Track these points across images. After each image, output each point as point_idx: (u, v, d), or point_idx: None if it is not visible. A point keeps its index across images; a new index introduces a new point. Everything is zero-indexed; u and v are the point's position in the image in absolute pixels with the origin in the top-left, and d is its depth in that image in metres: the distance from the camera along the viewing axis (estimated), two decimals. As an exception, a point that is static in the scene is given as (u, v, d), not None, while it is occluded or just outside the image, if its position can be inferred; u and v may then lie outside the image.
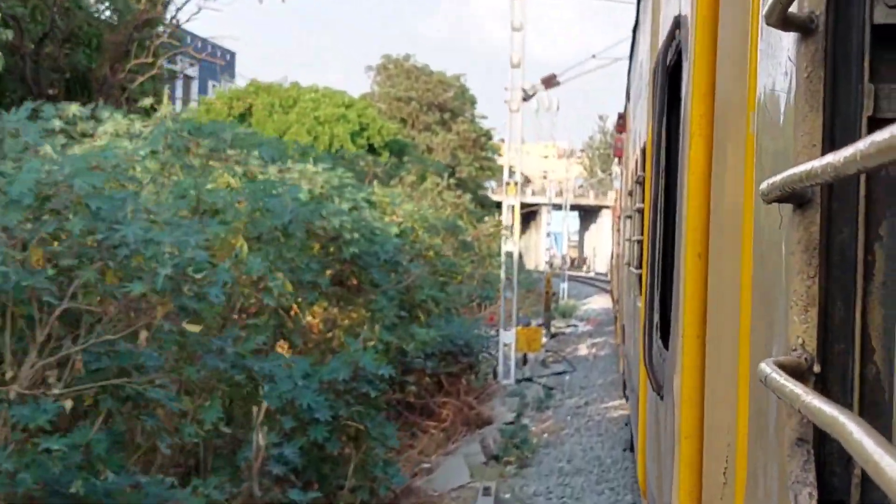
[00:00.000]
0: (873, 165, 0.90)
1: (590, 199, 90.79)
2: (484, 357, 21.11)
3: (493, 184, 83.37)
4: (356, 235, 11.81)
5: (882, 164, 0.88)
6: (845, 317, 1.40)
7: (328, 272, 11.95)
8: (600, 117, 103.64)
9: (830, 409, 1.01)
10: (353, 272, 12.61)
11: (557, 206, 67.35)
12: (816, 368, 1.38)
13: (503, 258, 22.41)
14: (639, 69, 8.38)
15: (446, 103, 65.57)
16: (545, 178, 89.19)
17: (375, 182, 18.17)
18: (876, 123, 1.37)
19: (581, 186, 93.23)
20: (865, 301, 1.40)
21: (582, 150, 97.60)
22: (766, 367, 1.33)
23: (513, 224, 22.61)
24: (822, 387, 1.38)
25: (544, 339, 27.68)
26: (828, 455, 1.40)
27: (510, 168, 22.30)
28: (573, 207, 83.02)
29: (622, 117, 20.32)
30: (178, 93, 77.48)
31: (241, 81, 53.81)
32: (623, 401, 15.88)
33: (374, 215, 13.80)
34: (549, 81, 22.73)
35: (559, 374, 23.02)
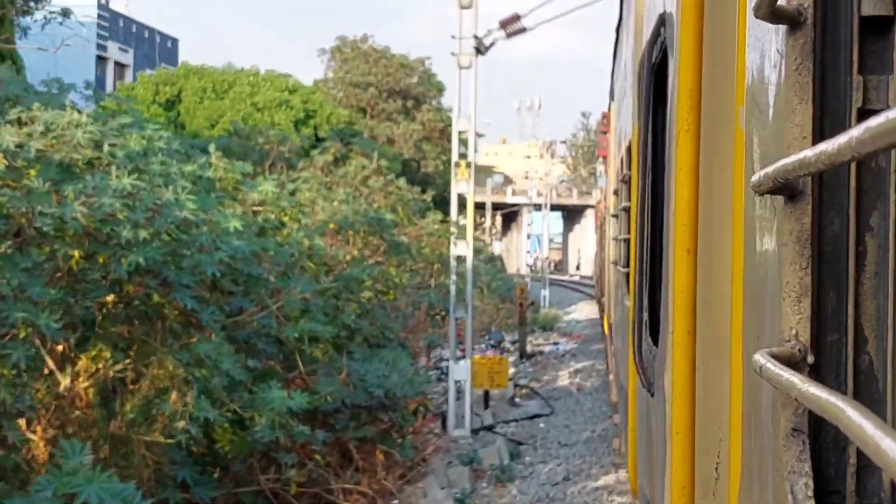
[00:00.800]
0: (867, 152, 0.91)
1: (573, 199, 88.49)
2: (416, 412, 14.97)
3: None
4: (144, 233, 7.30)
5: (876, 151, 0.89)
6: (838, 307, 1.41)
7: (109, 298, 7.74)
8: (583, 114, 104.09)
9: (827, 396, 1.02)
10: (147, 297, 7.92)
11: (539, 207, 63.83)
12: (810, 359, 1.39)
13: (453, 265, 16.75)
14: (623, 68, 8.41)
15: (409, 89, 58.66)
16: (527, 178, 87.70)
17: (214, 152, 11.34)
18: (865, 115, 1.39)
19: (562, 182, 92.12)
20: (858, 291, 1.41)
21: (563, 142, 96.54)
22: (761, 358, 1.34)
23: (466, 218, 16.95)
24: (816, 377, 1.39)
25: (512, 369, 21.62)
26: (823, 445, 1.41)
27: (460, 141, 16.89)
28: (556, 207, 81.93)
29: (606, 117, 20.42)
30: (109, 80, 73.39)
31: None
32: (624, 472, 11.87)
33: (183, 204, 8.09)
34: (510, 24, 16.84)
35: (532, 418, 17.86)
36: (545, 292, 44.79)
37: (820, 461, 1.41)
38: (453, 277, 16.63)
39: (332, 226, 14.52)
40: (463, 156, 16.85)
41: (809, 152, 1.12)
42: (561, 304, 45.36)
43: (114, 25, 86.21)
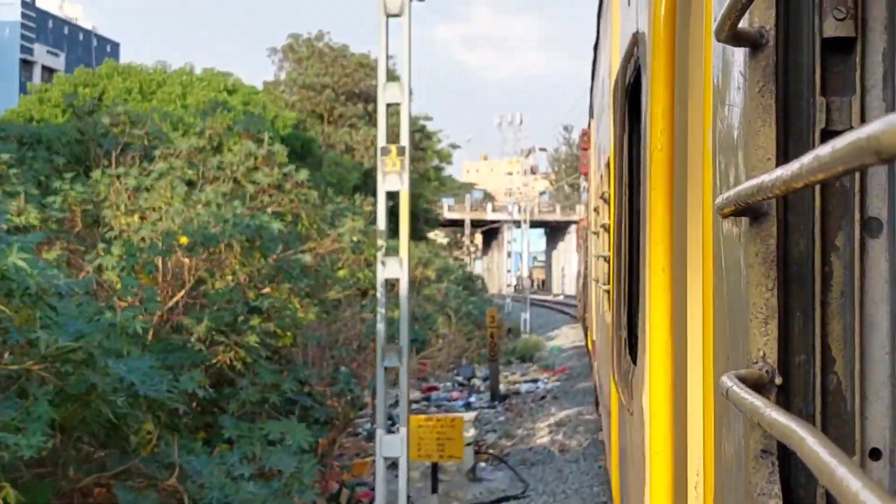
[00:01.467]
0: (819, 179, 0.91)
1: (556, 215, 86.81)
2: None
3: (450, 200, 79.00)
4: None
5: (827, 178, 0.89)
6: (805, 328, 1.42)
7: None
8: (565, 128, 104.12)
9: (787, 421, 1.02)
10: None
11: (520, 224, 61.33)
12: (778, 380, 1.39)
13: (381, 293, 11.95)
14: (601, 86, 8.45)
15: (371, 91, 51.48)
16: (508, 194, 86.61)
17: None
18: (829, 136, 1.39)
19: (542, 195, 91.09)
20: (824, 312, 1.41)
21: (542, 149, 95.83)
22: (728, 381, 1.34)
23: (399, 225, 11.98)
24: (785, 399, 1.40)
25: (472, 431, 14.83)
26: (793, 467, 1.41)
27: (387, 113, 11.88)
28: (538, 224, 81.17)
29: (586, 134, 20.50)
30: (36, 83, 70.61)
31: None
32: None
33: None
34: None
35: (498, 502, 13.16)
36: (526, 315, 41.31)
37: (790, 482, 1.41)
38: (382, 311, 11.84)
39: (183, 239, 10.05)
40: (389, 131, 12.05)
41: (767, 177, 1.12)
42: (544, 329, 41.71)
43: (42, 26, 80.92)
